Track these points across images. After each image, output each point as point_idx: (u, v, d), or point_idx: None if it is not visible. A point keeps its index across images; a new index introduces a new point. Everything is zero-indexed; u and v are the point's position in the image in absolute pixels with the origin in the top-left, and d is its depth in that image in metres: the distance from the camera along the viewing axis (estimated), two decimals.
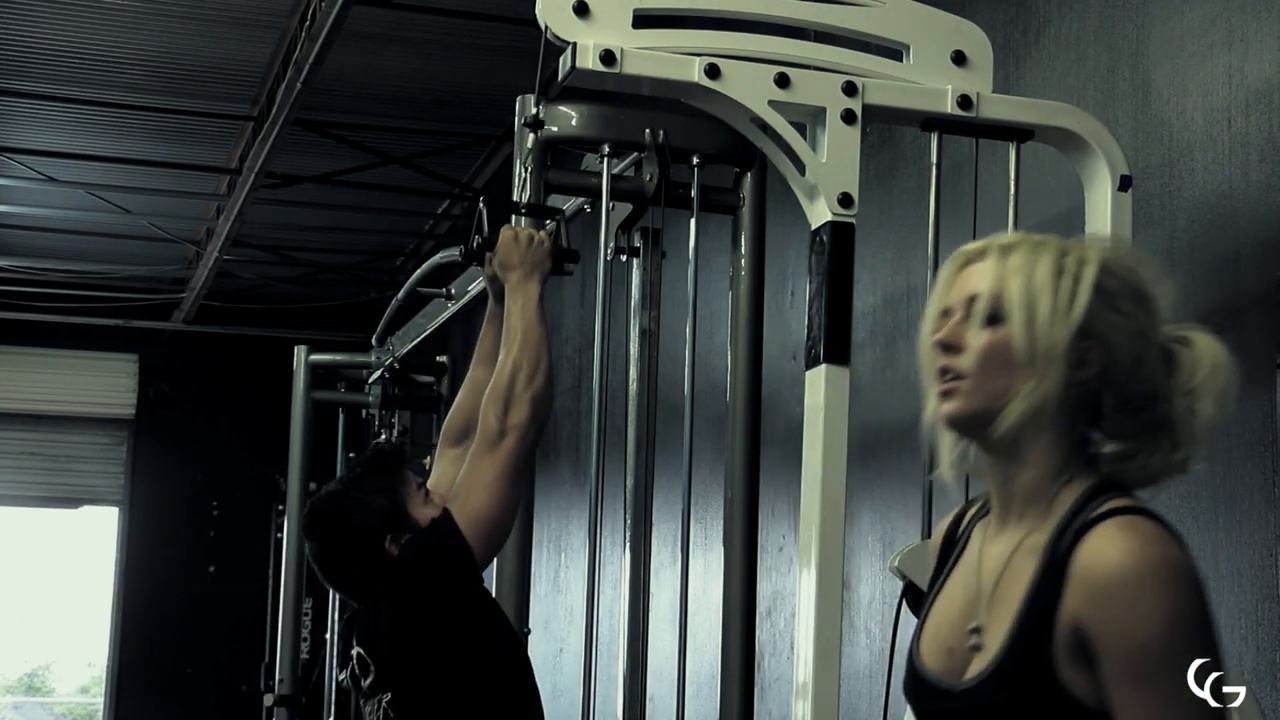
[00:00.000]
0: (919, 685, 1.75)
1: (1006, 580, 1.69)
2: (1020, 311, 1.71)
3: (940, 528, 1.89)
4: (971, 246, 1.81)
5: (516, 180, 3.29)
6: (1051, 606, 1.62)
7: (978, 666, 1.67)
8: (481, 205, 3.24)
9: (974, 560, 1.76)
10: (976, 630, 1.69)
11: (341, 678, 3.21)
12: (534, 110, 3.24)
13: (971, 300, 1.75)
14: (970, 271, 1.78)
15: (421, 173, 8.63)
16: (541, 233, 3.17)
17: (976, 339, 1.72)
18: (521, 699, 3.12)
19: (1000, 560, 1.72)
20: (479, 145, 8.46)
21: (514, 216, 3.25)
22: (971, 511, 1.85)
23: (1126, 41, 3.67)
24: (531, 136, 3.27)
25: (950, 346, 1.74)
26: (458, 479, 3.11)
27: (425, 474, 3.31)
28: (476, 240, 3.20)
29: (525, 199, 3.26)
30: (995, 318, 1.72)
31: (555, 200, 3.78)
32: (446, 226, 9.96)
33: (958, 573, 1.79)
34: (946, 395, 1.74)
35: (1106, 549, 1.60)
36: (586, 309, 7.42)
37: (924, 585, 2.38)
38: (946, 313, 1.78)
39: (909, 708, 1.79)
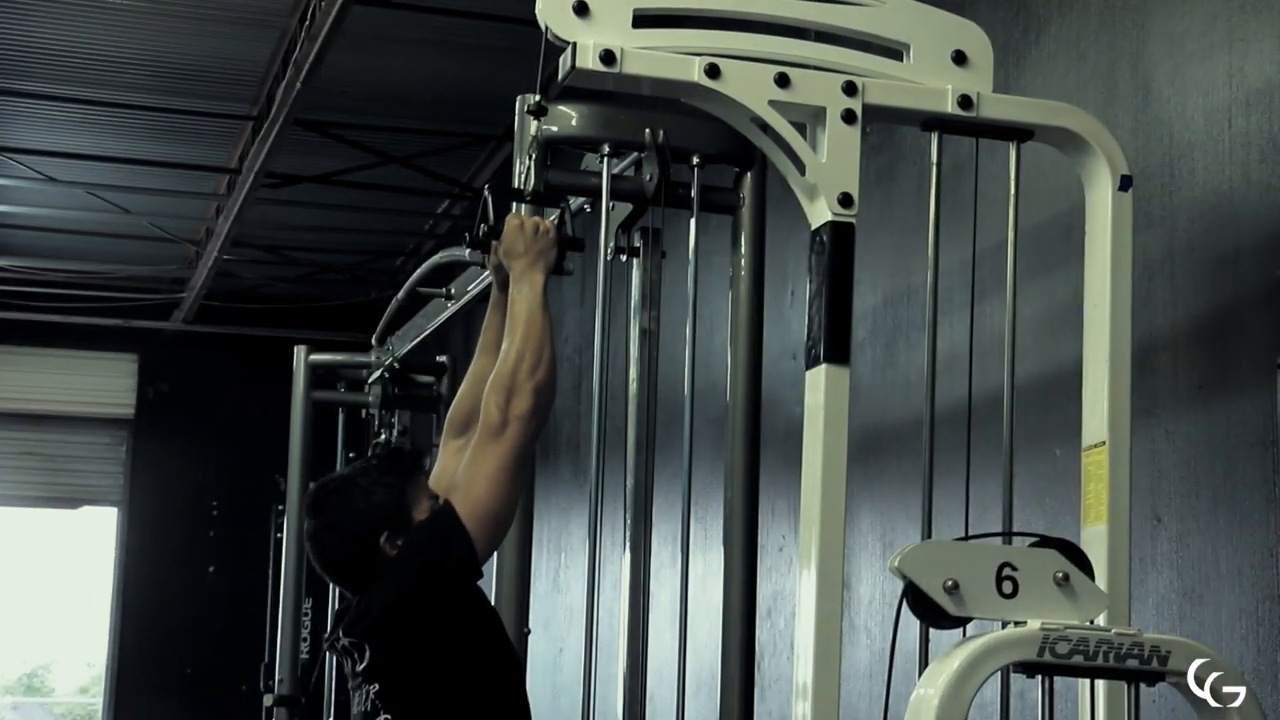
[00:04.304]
0: None
1: None
2: None
3: None
4: None
5: (519, 169, 3.28)
6: None
7: None
8: (487, 193, 3.24)
9: None
10: None
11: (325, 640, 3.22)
12: (536, 98, 3.24)
13: None
14: None
15: (421, 173, 8.64)
16: (547, 221, 3.17)
17: None
18: (510, 701, 3.11)
19: None
20: (479, 145, 8.46)
21: (518, 205, 3.26)
22: None
23: (1126, 41, 3.67)
24: (534, 123, 3.27)
25: None
26: (459, 469, 3.10)
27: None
28: (482, 228, 3.20)
29: (529, 187, 3.26)
30: None
31: None
32: (446, 226, 9.96)
33: None
34: None
35: None
36: (586, 309, 7.42)
37: (925, 585, 2.38)
38: None
39: None
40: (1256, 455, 3.16)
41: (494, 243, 3.17)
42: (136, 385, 11.66)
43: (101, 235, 10.17)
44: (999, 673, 2.53)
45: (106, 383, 11.69)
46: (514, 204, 3.27)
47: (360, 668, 3.04)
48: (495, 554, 3.24)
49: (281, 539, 7.43)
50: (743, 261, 3.45)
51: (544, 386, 3.02)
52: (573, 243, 3.19)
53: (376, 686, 3.01)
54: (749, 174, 3.44)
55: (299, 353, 6.75)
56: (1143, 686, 2.36)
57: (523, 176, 3.26)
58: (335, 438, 7.12)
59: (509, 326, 3.07)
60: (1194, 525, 3.33)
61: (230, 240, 9.07)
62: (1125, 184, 2.87)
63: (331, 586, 6.46)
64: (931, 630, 2.57)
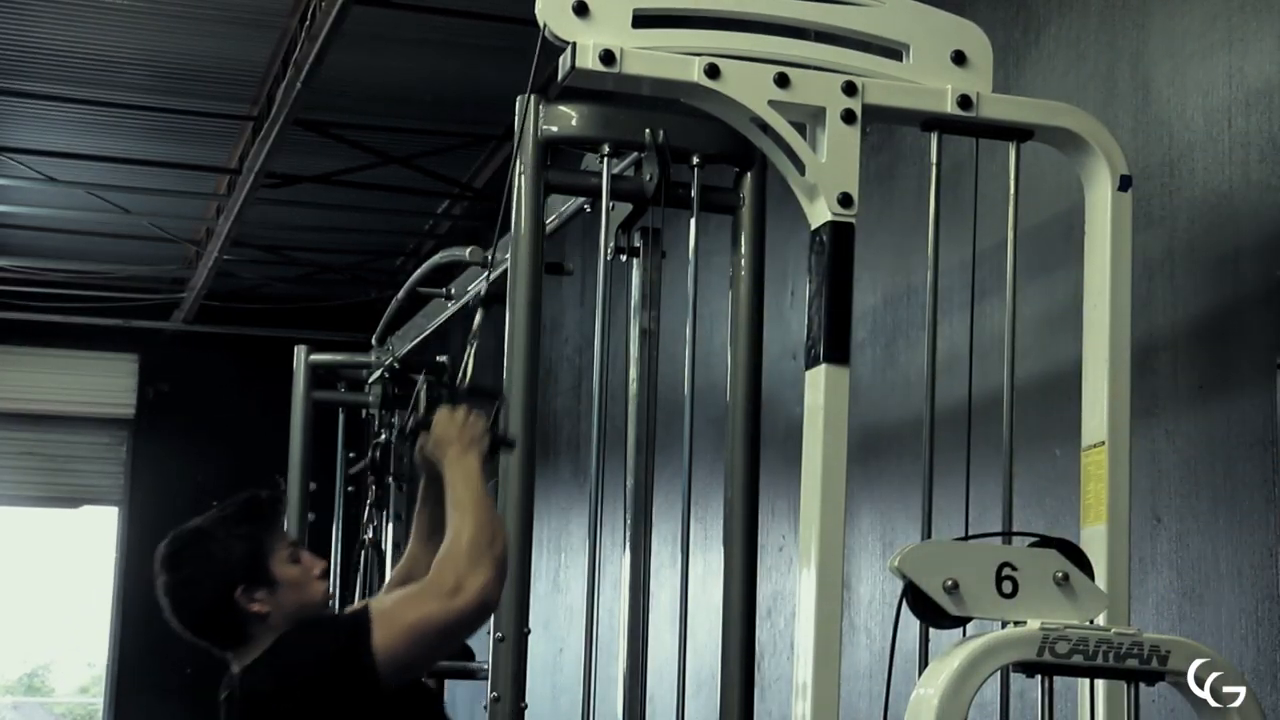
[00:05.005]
0: None
1: None
2: None
3: None
4: None
5: (463, 362, 3.29)
6: None
7: None
8: (421, 384, 3.23)
9: None
10: None
11: None
12: (483, 284, 3.27)
13: None
14: None
15: (421, 173, 8.64)
16: (478, 417, 3.11)
17: None
18: None
19: None
20: (479, 145, 8.46)
21: (454, 397, 3.23)
22: None
23: (1126, 41, 3.67)
24: (480, 314, 3.30)
25: None
26: (399, 592, 3.00)
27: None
28: (412, 420, 3.17)
29: (468, 380, 3.26)
30: None
31: (554, 201, 3.78)
32: (446, 226, 9.96)
33: None
34: None
35: None
36: (586, 309, 7.42)
37: (925, 585, 2.38)
38: None
39: None
40: (1256, 455, 3.16)
41: (422, 433, 3.13)
42: (136, 385, 11.66)
43: (101, 235, 10.17)
44: (999, 673, 2.53)
45: (106, 383, 11.69)
46: (450, 396, 3.24)
47: None
48: None
49: None
50: (743, 261, 3.45)
51: (502, 559, 2.92)
52: (504, 442, 3.16)
53: None
54: (749, 174, 3.44)
55: (299, 353, 6.75)
56: (1142, 686, 2.37)
57: (461, 372, 3.26)
58: (335, 438, 7.12)
59: (455, 510, 2.95)
60: (1194, 525, 3.33)
61: (230, 240, 9.07)
62: (1125, 184, 2.87)
63: (334, 584, 6.48)
64: (931, 630, 2.57)
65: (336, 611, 3.00)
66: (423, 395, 3.19)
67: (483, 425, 3.09)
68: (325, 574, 3.12)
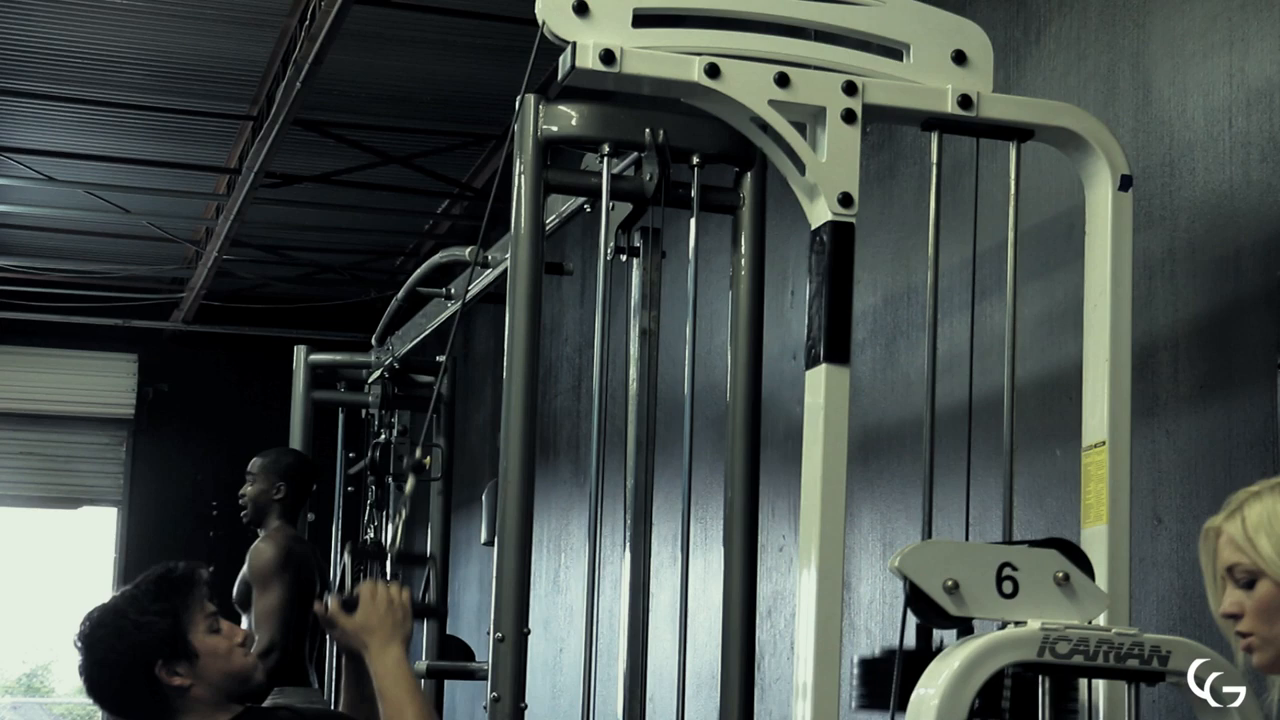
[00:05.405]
0: None
1: None
2: (1272, 565, 2.00)
3: None
4: (1212, 522, 2.09)
5: (391, 527, 3.28)
6: None
7: None
8: (345, 559, 3.19)
9: None
10: None
11: None
12: (420, 458, 3.28)
13: (1230, 570, 2.05)
14: (1220, 544, 2.07)
15: (421, 173, 8.64)
16: (403, 592, 3.06)
17: (1247, 601, 2.03)
18: None
19: None
20: (479, 145, 8.46)
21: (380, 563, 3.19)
22: None
23: (1126, 41, 3.67)
24: (411, 480, 3.29)
25: (1231, 616, 2.06)
26: None
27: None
28: (339, 598, 3.11)
29: (396, 548, 3.22)
30: (1251, 581, 2.03)
31: (554, 201, 3.78)
32: (446, 226, 9.96)
33: None
34: (1248, 651, 2.06)
35: None
36: (586, 309, 7.42)
37: (925, 585, 2.38)
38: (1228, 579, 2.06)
39: None
40: (1256, 455, 3.16)
41: (344, 616, 3.09)
42: (136, 385, 11.66)
43: (101, 235, 10.16)
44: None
45: (106, 383, 11.69)
46: (377, 561, 3.21)
47: None
48: (496, 553, 3.23)
49: None
50: (743, 261, 3.45)
51: None
52: (429, 610, 3.10)
53: None
54: (749, 174, 3.44)
55: (299, 353, 6.75)
56: (1143, 686, 2.37)
57: (390, 540, 3.23)
58: (335, 438, 7.12)
59: (387, 703, 2.93)
60: (1194, 525, 3.32)
61: (230, 240, 9.07)
62: (1125, 184, 2.87)
63: (334, 584, 6.46)
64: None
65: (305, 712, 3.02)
66: (348, 571, 3.14)
67: (406, 607, 3.03)
68: (247, 641, 3.09)
